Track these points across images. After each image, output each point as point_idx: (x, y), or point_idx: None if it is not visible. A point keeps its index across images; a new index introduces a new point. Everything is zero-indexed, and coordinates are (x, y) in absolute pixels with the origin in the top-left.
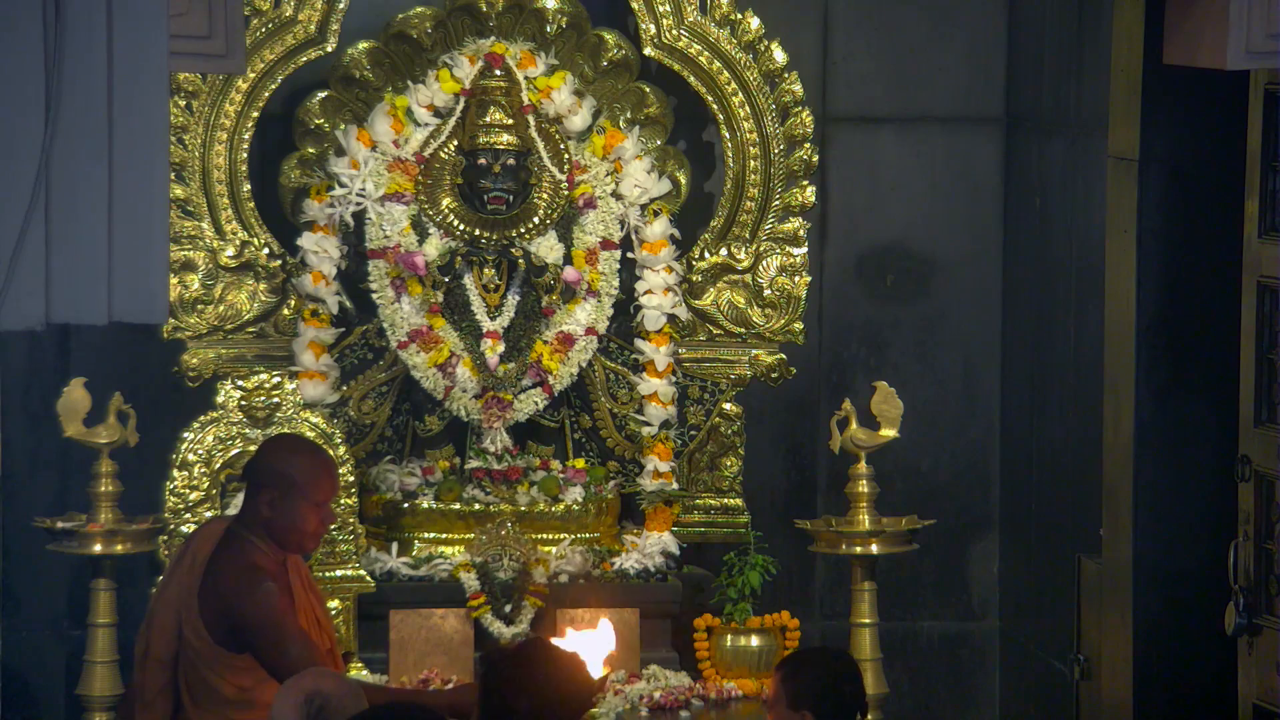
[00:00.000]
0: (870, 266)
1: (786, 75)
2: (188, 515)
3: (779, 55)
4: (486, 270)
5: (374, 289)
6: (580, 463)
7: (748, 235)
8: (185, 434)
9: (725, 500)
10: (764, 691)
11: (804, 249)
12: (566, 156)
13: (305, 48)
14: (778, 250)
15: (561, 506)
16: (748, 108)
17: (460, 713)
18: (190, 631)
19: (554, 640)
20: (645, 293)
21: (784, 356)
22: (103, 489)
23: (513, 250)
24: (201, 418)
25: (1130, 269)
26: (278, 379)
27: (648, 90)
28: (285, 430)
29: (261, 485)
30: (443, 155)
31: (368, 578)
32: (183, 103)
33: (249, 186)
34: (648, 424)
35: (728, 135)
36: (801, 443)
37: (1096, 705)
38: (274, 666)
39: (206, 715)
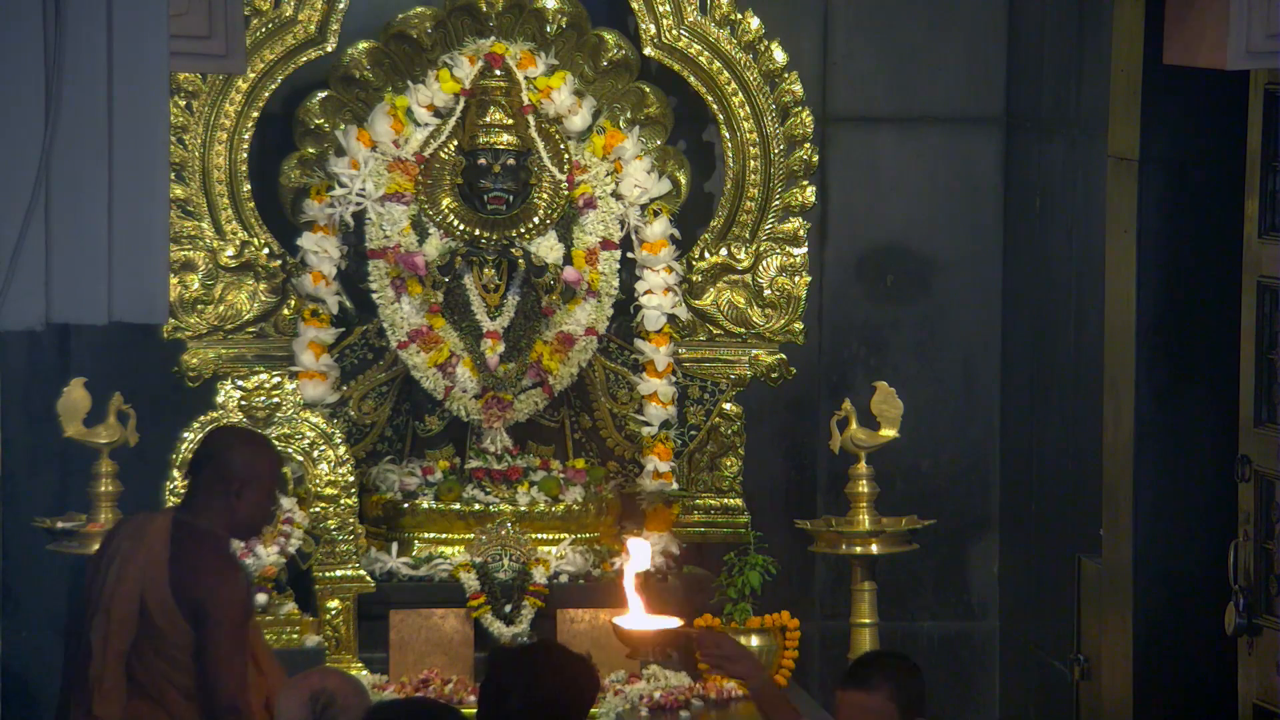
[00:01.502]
0: (870, 266)
1: (786, 75)
2: None
3: (779, 55)
4: (486, 270)
5: (374, 289)
6: (580, 463)
7: (748, 235)
8: (185, 434)
9: (725, 500)
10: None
11: (804, 249)
12: (566, 156)
13: (305, 48)
14: (778, 250)
15: (561, 506)
16: (748, 108)
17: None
18: (166, 624)
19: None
20: (645, 293)
21: (784, 356)
22: (103, 489)
23: (513, 250)
24: (201, 418)
25: (1130, 269)
26: (278, 379)
27: (648, 90)
28: (231, 423)
29: (229, 478)
30: (443, 155)
31: (368, 578)
32: (183, 103)
33: (249, 186)
34: (648, 424)
35: (728, 135)
36: (801, 443)
37: (1096, 705)
38: (208, 665)
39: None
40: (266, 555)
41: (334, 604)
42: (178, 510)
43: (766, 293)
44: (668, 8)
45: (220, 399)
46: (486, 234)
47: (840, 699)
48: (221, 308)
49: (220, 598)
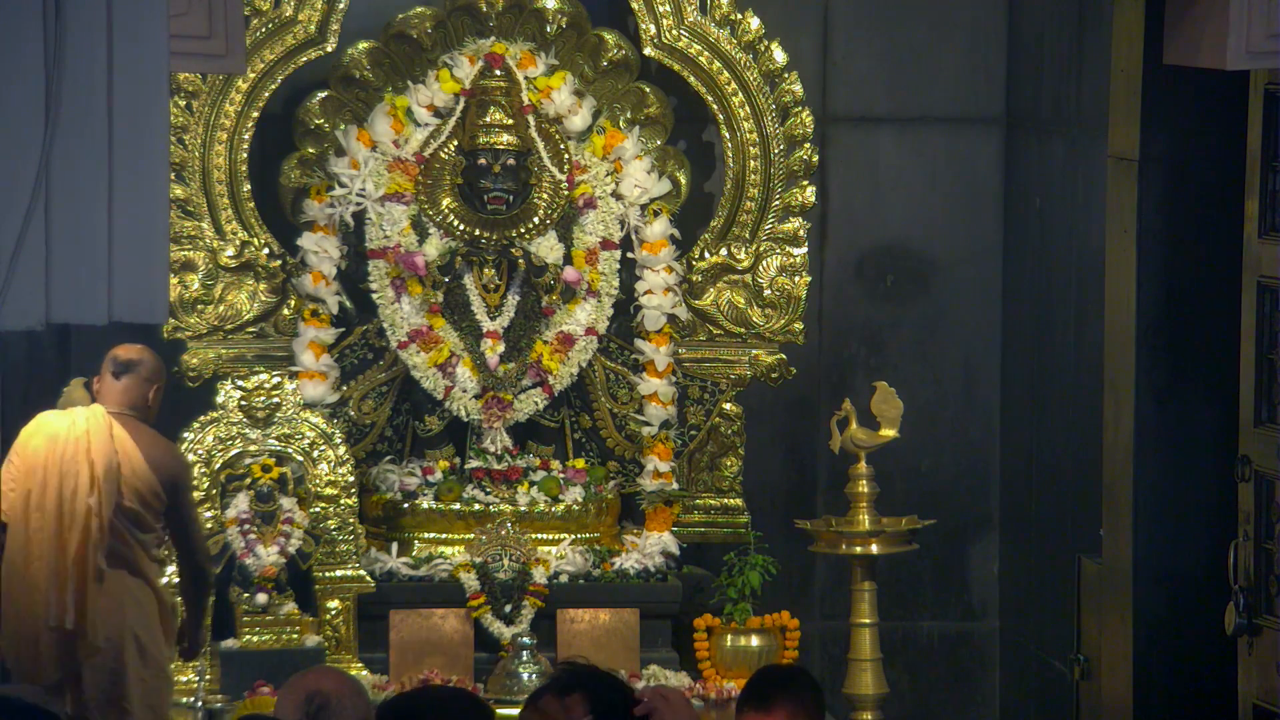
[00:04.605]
0: (870, 266)
1: (786, 75)
2: None
3: (779, 55)
4: (486, 270)
5: (374, 289)
6: (580, 463)
7: (748, 235)
8: (185, 434)
9: (725, 500)
10: None
11: (804, 249)
12: (566, 156)
13: (305, 48)
14: (778, 250)
15: (561, 506)
16: (748, 108)
17: None
18: (150, 498)
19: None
20: (645, 293)
21: (784, 356)
22: None
23: (513, 250)
24: (201, 418)
25: (1130, 269)
26: (278, 379)
27: (648, 90)
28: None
29: (153, 380)
30: (443, 155)
31: (368, 578)
32: (183, 103)
33: (249, 186)
34: (648, 424)
35: (728, 135)
36: (801, 443)
37: (1096, 705)
38: (188, 525)
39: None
40: (266, 555)
41: (334, 604)
42: (115, 407)
43: (766, 293)
44: (668, 8)
45: (220, 399)
46: (486, 234)
47: None
48: (221, 308)
49: (189, 471)
